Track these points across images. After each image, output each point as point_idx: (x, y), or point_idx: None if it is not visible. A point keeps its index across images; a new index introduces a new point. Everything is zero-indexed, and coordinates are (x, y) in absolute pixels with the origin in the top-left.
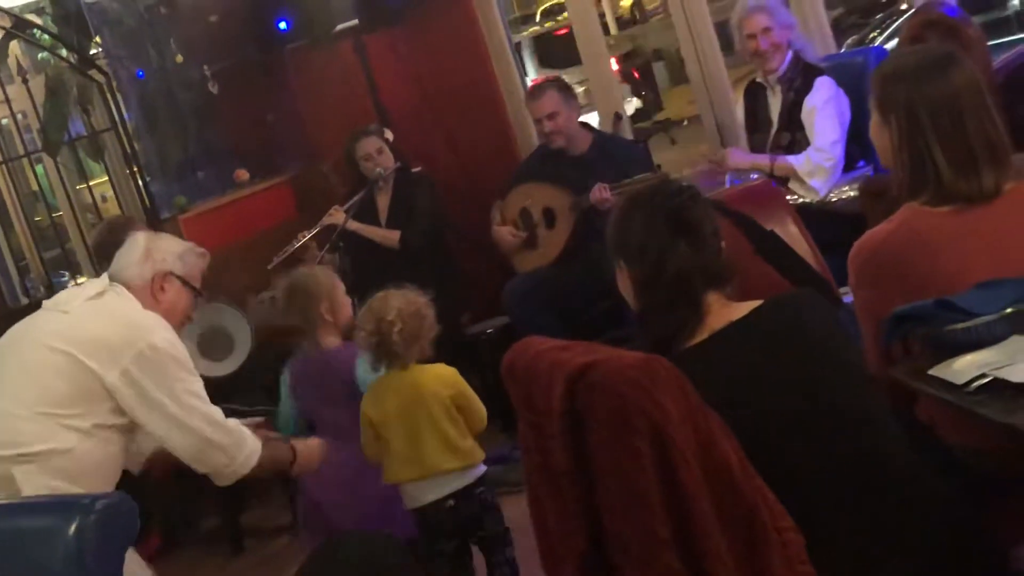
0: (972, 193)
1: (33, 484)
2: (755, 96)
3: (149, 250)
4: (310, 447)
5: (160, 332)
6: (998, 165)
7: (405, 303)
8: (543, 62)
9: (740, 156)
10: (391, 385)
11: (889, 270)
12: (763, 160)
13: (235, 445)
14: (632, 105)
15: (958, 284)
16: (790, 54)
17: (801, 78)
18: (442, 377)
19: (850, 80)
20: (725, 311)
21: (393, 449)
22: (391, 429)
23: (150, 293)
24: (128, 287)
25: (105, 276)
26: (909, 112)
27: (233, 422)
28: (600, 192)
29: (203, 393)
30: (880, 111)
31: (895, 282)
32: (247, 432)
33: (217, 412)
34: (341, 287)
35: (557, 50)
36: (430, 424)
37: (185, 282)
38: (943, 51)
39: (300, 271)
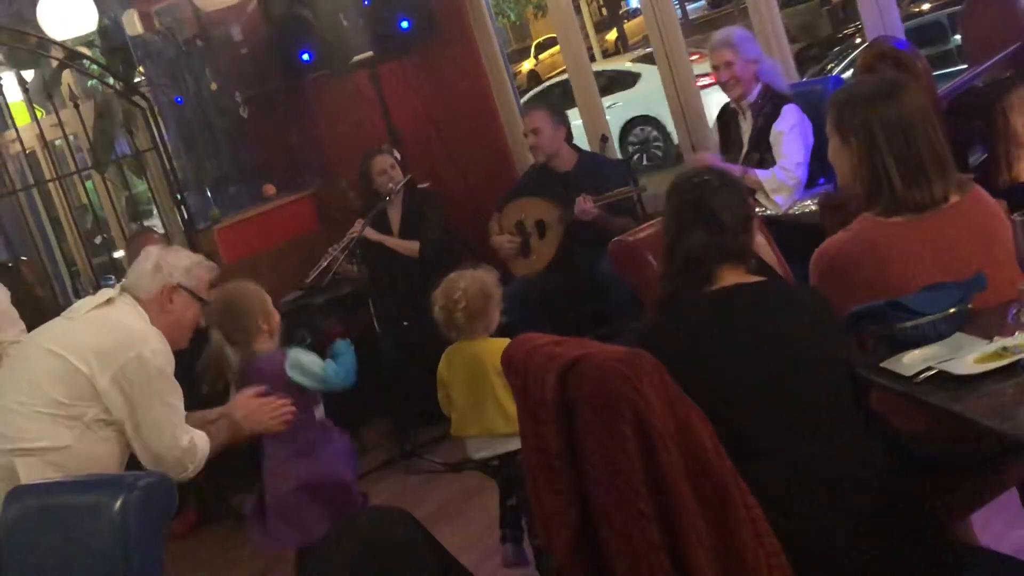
0: (924, 201)
1: (32, 475)
2: (727, 120)
3: (159, 264)
4: (245, 406)
5: (151, 344)
6: (944, 176)
7: (471, 283)
8: None
9: (712, 160)
10: (459, 352)
11: (845, 273)
12: (735, 170)
13: (188, 459)
14: None
15: (906, 287)
16: (759, 86)
17: (770, 105)
18: (501, 351)
19: (811, 105)
20: (736, 278)
21: (458, 407)
22: (456, 390)
23: (159, 305)
24: (138, 299)
25: (117, 286)
26: (867, 133)
27: (187, 438)
28: (583, 204)
29: (178, 403)
30: (839, 134)
31: (850, 283)
32: (199, 440)
33: (181, 428)
34: (268, 297)
35: None
36: (488, 390)
37: (192, 294)
38: (892, 78)
39: (231, 286)
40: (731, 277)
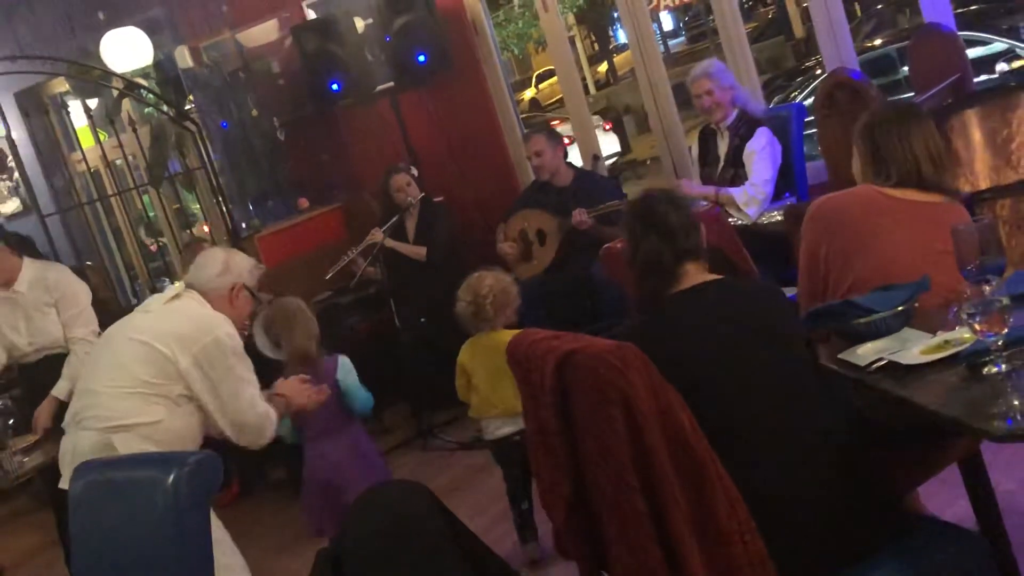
0: (913, 177)
1: (128, 448)
2: (707, 138)
3: (228, 265)
4: (290, 387)
5: (224, 328)
6: (938, 168)
7: (495, 281)
8: None
9: (691, 186)
10: (481, 342)
11: (832, 217)
12: (710, 190)
13: (266, 425)
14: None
15: (878, 245)
16: (735, 110)
17: (745, 127)
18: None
19: (778, 129)
20: (701, 276)
21: (479, 391)
22: (478, 375)
23: (227, 300)
24: (205, 294)
25: (180, 284)
26: (873, 144)
27: (264, 406)
28: (579, 215)
29: (252, 377)
30: (856, 144)
31: (834, 227)
32: (271, 411)
33: (257, 397)
34: None
35: None
36: (507, 374)
37: (251, 292)
38: (904, 104)
39: (289, 301)
40: (693, 274)
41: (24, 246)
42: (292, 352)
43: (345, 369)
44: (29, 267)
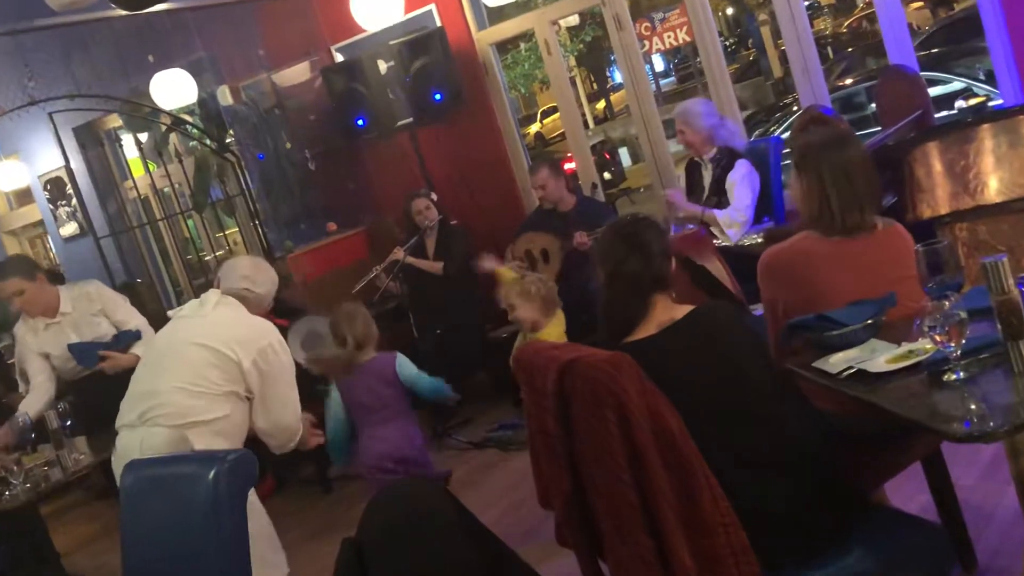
0: (855, 225)
1: (202, 442)
2: (692, 170)
3: (252, 281)
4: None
5: (275, 334)
6: (873, 208)
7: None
8: None
9: (679, 197)
10: (547, 335)
11: (781, 274)
12: (696, 209)
13: (297, 431)
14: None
15: (829, 294)
16: (715, 147)
17: (726, 159)
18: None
19: (757, 159)
20: (669, 311)
21: None
22: None
23: (262, 312)
24: (244, 301)
25: (217, 290)
26: (816, 172)
27: (300, 413)
28: (579, 237)
29: (295, 386)
30: (795, 169)
31: (785, 283)
32: (305, 422)
33: (298, 403)
34: None
35: None
36: None
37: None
38: (841, 131)
39: (347, 303)
40: (660, 310)
41: (53, 277)
42: (355, 340)
43: (402, 364)
44: (65, 292)
